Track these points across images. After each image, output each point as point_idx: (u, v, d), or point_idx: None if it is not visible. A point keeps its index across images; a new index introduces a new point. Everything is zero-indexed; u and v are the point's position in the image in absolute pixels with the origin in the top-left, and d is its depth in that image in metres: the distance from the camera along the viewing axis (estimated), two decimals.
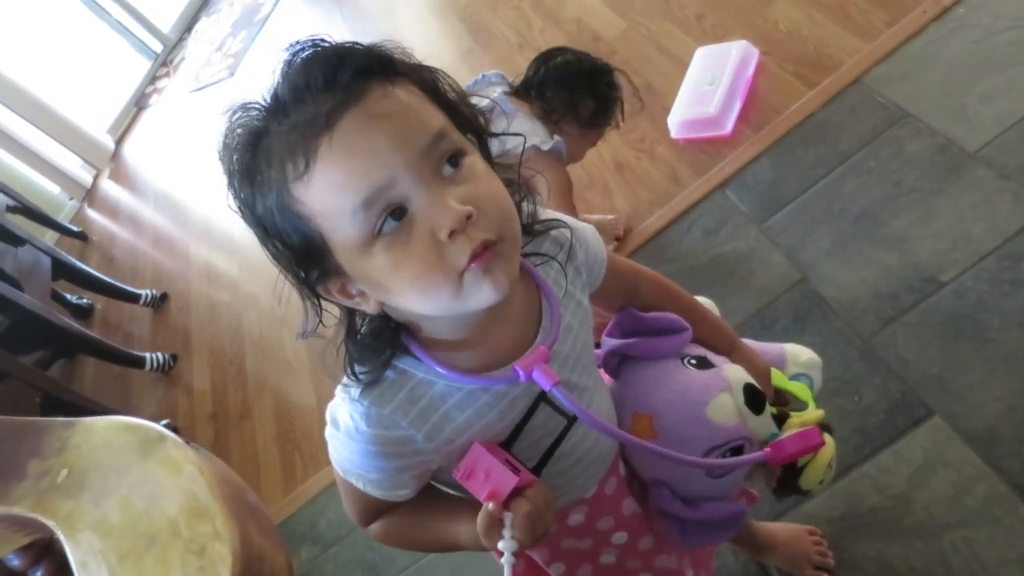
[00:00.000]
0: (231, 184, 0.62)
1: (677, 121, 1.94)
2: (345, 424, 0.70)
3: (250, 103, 0.60)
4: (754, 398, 0.86)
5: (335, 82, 0.57)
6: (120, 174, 4.06)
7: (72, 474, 0.57)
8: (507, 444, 0.73)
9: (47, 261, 2.78)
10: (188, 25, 4.74)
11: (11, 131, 3.76)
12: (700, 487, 0.88)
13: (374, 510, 0.78)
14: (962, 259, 1.40)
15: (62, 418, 0.64)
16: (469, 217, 0.57)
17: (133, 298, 2.96)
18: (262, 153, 0.59)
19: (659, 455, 0.79)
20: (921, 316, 1.39)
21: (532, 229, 0.73)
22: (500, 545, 0.64)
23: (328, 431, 0.73)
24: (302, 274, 0.63)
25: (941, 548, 1.18)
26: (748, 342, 1.03)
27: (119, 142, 4.25)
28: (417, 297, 0.61)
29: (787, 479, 0.95)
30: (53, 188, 3.97)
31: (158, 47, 4.66)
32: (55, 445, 0.61)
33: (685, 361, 0.87)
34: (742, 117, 1.88)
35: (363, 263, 0.60)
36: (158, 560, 0.46)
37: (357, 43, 0.61)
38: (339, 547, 1.80)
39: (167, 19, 4.72)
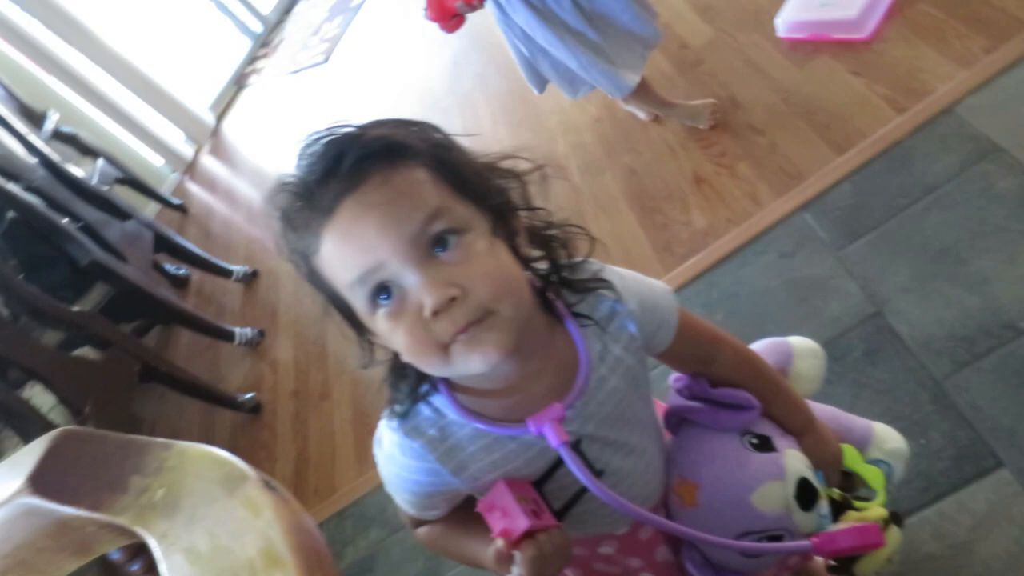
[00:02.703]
0: (285, 242, 0.70)
1: (796, 19, 2.02)
2: (385, 448, 0.79)
3: (286, 180, 0.68)
4: (806, 494, 0.86)
5: (337, 172, 0.64)
6: (219, 150, 4.25)
7: (168, 495, 0.64)
8: (539, 483, 0.79)
9: (149, 235, 2.95)
10: (288, 7, 4.89)
11: (120, 104, 3.98)
12: (731, 561, 0.90)
13: (416, 519, 0.87)
14: None
15: (160, 439, 0.71)
16: (454, 299, 0.63)
17: (226, 273, 3.12)
18: (290, 227, 0.68)
19: (683, 534, 0.81)
20: (997, 363, 1.36)
21: (572, 285, 0.77)
22: None
23: (374, 449, 0.81)
24: (348, 319, 0.71)
25: None
26: (834, 412, 1.02)
27: (219, 119, 4.44)
28: (414, 360, 0.68)
29: (843, 563, 0.95)
30: (157, 160, 4.18)
31: (259, 28, 4.84)
32: (154, 464, 0.68)
33: (745, 439, 0.88)
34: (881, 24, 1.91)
35: (372, 326, 0.68)
36: None
37: (366, 128, 0.68)
38: (405, 533, 1.88)
39: (268, 1, 4.88)
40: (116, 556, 0.85)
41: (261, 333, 2.84)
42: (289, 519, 0.55)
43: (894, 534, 0.99)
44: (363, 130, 0.68)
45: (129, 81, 3.99)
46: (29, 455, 0.77)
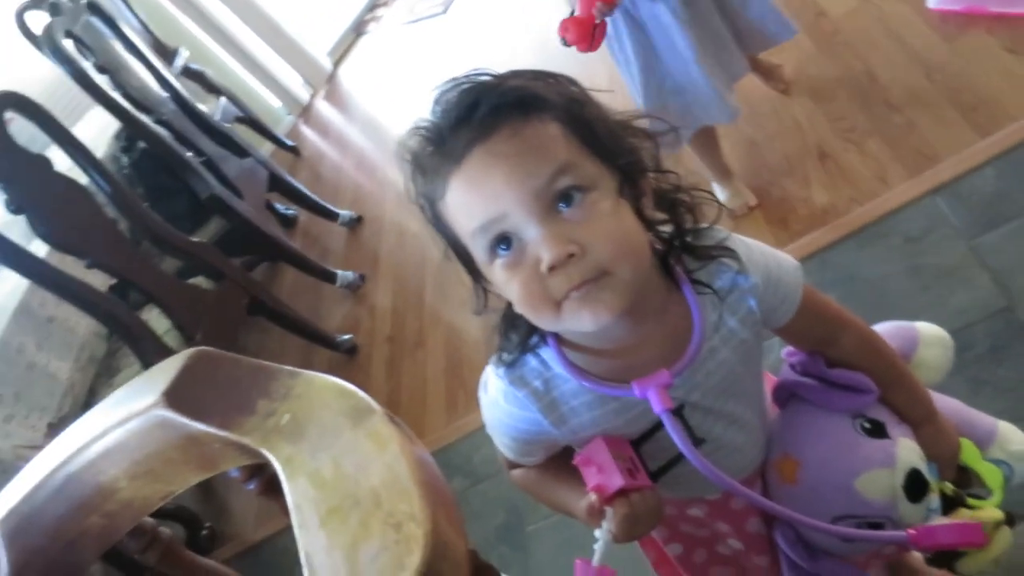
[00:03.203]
0: (414, 185, 0.72)
1: None
2: (490, 393, 0.80)
3: (420, 123, 0.69)
4: (916, 485, 0.83)
5: (470, 120, 0.65)
6: (334, 96, 4.33)
7: (293, 421, 0.67)
8: (637, 443, 0.79)
9: (264, 174, 3.05)
10: None
11: (245, 45, 4.10)
12: (825, 541, 0.87)
13: (512, 463, 0.89)
14: None
15: (288, 367, 0.74)
16: (572, 255, 0.63)
17: (332, 216, 3.20)
18: (419, 171, 0.70)
19: (774, 511, 0.80)
20: None
21: (695, 251, 0.76)
22: (596, 534, 0.71)
23: (480, 392, 0.83)
24: (466, 265, 0.73)
25: None
26: (957, 406, 0.98)
27: (336, 65, 4.52)
28: (526, 312, 0.69)
29: (945, 557, 0.91)
30: (275, 102, 4.30)
31: None
32: (280, 391, 0.71)
33: (857, 423, 0.85)
34: None
35: (489, 274, 0.69)
36: (361, 523, 0.54)
37: (503, 78, 0.68)
38: (488, 483, 1.92)
39: None
40: (235, 474, 0.90)
41: (362, 277, 2.91)
42: (414, 454, 0.56)
43: (1004, 535, 0.95)
44: (500, 80, 0.68)
45: (254, 22, 4.10)
46: (165, 371, 0.82)
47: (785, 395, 0.91)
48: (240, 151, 3.00)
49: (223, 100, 3.38)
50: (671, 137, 1.74)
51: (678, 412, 0.77)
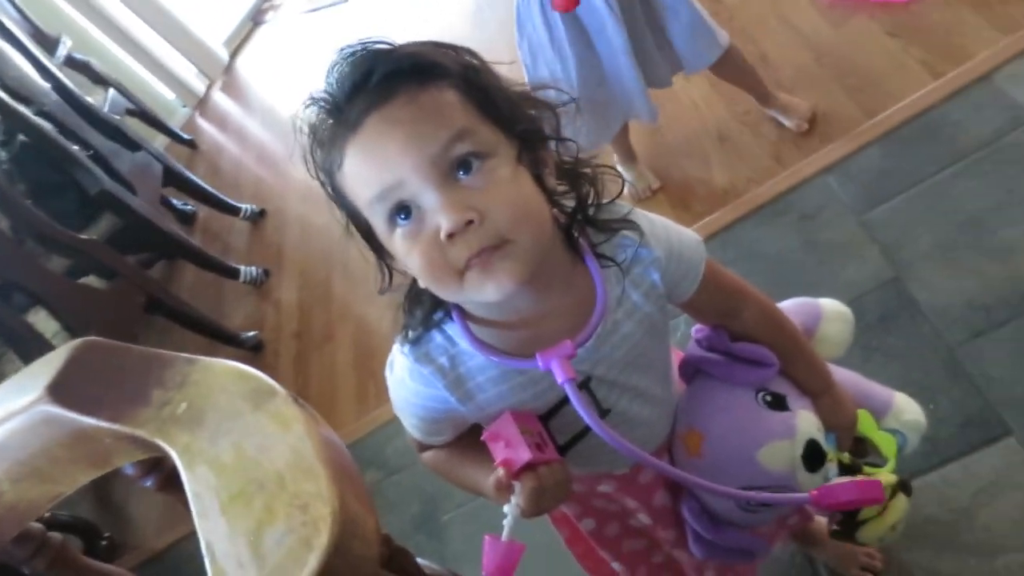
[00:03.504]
0: (312, 159, 0.70)
1: None
2: (396, 372, 0.79)
3: (316, 94, 0.67)
4: (813, 456, 0.85)
5: (365, 87, 0.63)
6: (232, 87, 4.18)
7: (191, 409, 0.64)
8: (545, 417, 0.78)
9: (159, 168, 2.92)
10: None
11: (134, 35, 3.91)
12: (730, 513, 0.89)
13: (422, 444, 0.88)
14: None
15: (185, 355, 0.70)
16: (470, 222, 0.62)
17: (234, 211, 3.09)
18: (317, 143, 0.68)
19: (682, 479, 0.81)
20: (1013, 333, 1.35)
21: (597, 224, 0.76)
22: (504, 509, 0.70)
23: (386, 371, 0.82)
24: (365, 241, 0.71)
25: (994, 569, 1.18)
26: (856, 378, 1.01)
27: (233, 55, 4.36)
28: (428, 284, 0.68)
29: (846, 527, 0.95)
30: (168, 94, 4.12)
31: None
32: (176, 379, 0.68)
33: (759, 396, 0.87)
34: None
35: (390, 246, 0.67)
36: (265, 507, 0.52)
37: (399, 46, 0.67)
38: (402, 475, 1.90)
39: None
40: (130, 471, 0.85)
41: (266, 272, 2.83)
42: (319, 434, 0.54)
43: (900, 502, 0.99)
44: (395, 47, 0.67)
45: (143, 11, 3.91)
46: (49, 364, 0.77)
47: (691, 370, 0.93)
48: (132, 144, 2.86)
49: (111, 91, 3.21)
50: (598, 131, 1.74)
51: (584, 385, 0.77)
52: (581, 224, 0.76)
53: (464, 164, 0.63)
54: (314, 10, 4.10)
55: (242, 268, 2.79)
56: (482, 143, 0.64)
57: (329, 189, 0.70)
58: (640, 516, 0.97)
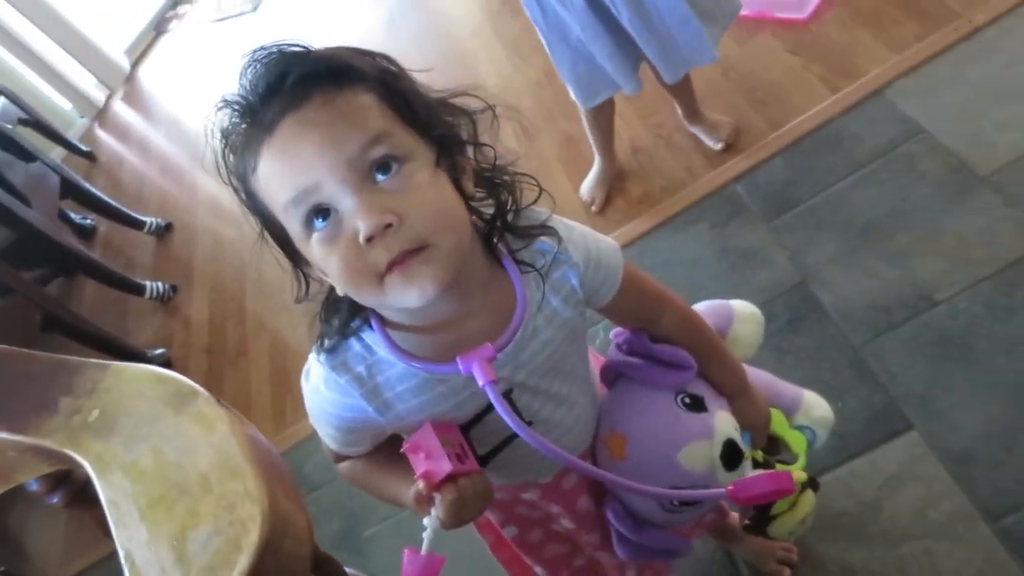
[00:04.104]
0: (225, 164, 0.68)
1: None
2: (312, 381, 0.77)
3: (228, 97, 0.66)
4: (731, 455, 0.88)
5: (280, 89, 0.62)
6: (133, 97, 4.03)
7: (103, 416, 0.60)
8: (467, 427, 0.77)
9: (56, 179, 2.79)
10: None
11: (27, 41, 3.73)
12: (653, 514, 0.91)
13: (339, 454, 0.85)
14: (959, 280, 1.44)
15: (95, 360, 0.67)
16: (389, 226, 0.61)
17: (137, 224, 2.98)
18: (231, 146, 0.66)
19: (608, 480, 0.81)
20: (913, 332, 1.43)
21: (516, 230, 0.76)
22: (424, 521, 0.69)
23: (302, 381, 0.79)
24: (281, 248, 0.69)
25: (901, 557, 1.23)
26: (768, 378, 1.04)
27: (135, 65, 4.21)
28: (347, 290, 0.66)
29: (758, 522, 0.98)
30: (64, 104, 3.94)
31: None
32: (86, 386, 0.64)
33: (679, 399, 0.89)
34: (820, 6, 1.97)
35: (307, 252, 0.66)
36: (188, 510, 0.49)
37: (314, 49, 0.66)
38: (322, 491, 1.85)
39: None
40: (34, 487, 0.80)
41: (174, 288, 2.73)
42: (244, 433, 0.52)
43: (809, 497, 1.03)
44: (311, 50, 0.66)
45: (36, 17, 3.73)
46: None
47: (612, 375, 0.94)
48: (26, 155, 2.73)
49: (2, 100, 3.05)
50: (586, 88, 1.67)
51: (507, 394, 0.76)
52: (500, 230, 0.76)
53: (382, 167, 0.62)
54: (221, 19, 4.00)
55: (148, 283, 2.69)
56: (400, 146, 0.63)
57: (242, 195, 0.67)
58: (563, 521, 0.97)
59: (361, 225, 0.60)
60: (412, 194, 0.62)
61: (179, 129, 3.56)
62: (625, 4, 1.50)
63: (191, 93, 3.69)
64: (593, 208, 1.98)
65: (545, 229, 0.77)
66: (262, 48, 0.65)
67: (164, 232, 3.00)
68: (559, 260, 0.77)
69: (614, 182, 1.99)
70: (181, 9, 4.36)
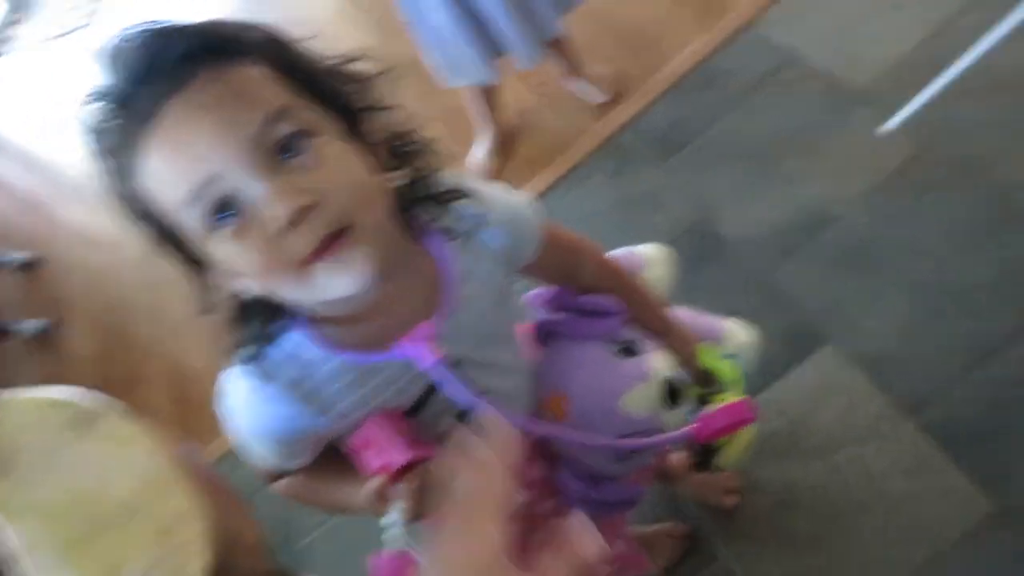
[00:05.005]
0: (98, 168, 0.59)
1: None
2: (233, 399, 0.69)
3: (96, 89, 0.57)
4: (672, 393, 0.87)
5: (157, 70, 0.54)
6: None
7: None
8: (412, 414, 0.72)
9: None
10: None
11: None
12: (605, 467, 0.89)
13: (274, 474, 0.78)
14: (849, 195, 1.49)
15: None
16: (308, 208, 0.54)
17: None
18: (105, 146, 0.58)
19: (568, 440, 0.80)
20: (814, 251, 1.47)
21: (434, 198, 0.71)
22: (383, 521, 0.64)
23: (220, 403, 0.71)
24: (177, 255, 0.61)
25: (835, 465, 1.27)
26: (688, 314, 1.04)
27: None
28: (267, 287, 0.59)
29: (704, 458, 0.98)
30: None
31: None
32: None
33: (612, 347, 0.87)
34: None
35: (211, 252, 0.58)
36: (115, 544, 0.43)
37: (189, 23, 0.57)
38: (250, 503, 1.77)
39: None
40: None
41: (51, 325, 2.54)
42: (169, 444, 0.46)
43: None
44: (187, 24, 0.57)
45: None
46: None
47: (543, 335, 0.92)
48: None
49: None
50: (457, 66, 1.61)
51: (455, 368, 0.73)
52: (415, 199, 0.71)
53: (288, 146, 0.55)
54: (61, 36, 3.72)
55: (19, 324, 2.48)
56: (304, 121, 0.57)
57: (125, 201, 0.58)
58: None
59: (277, 211, 0.53)
60: (326, 171, 0.56)
61: (29, 157, 3.30)
62: None
63: (37, 116, 3.42)
64: (487, 177, 1.95)
65: (461, 193, 0.72)
66: (130, 28, 0.56)
67: (32, 268, 2.79)
68: (479, 223, 0.73)
69: (502, 147, 1.97)
70: (11, 31, 4.03)
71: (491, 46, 1.63)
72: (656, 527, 1.32)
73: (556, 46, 1.80)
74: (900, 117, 1.50)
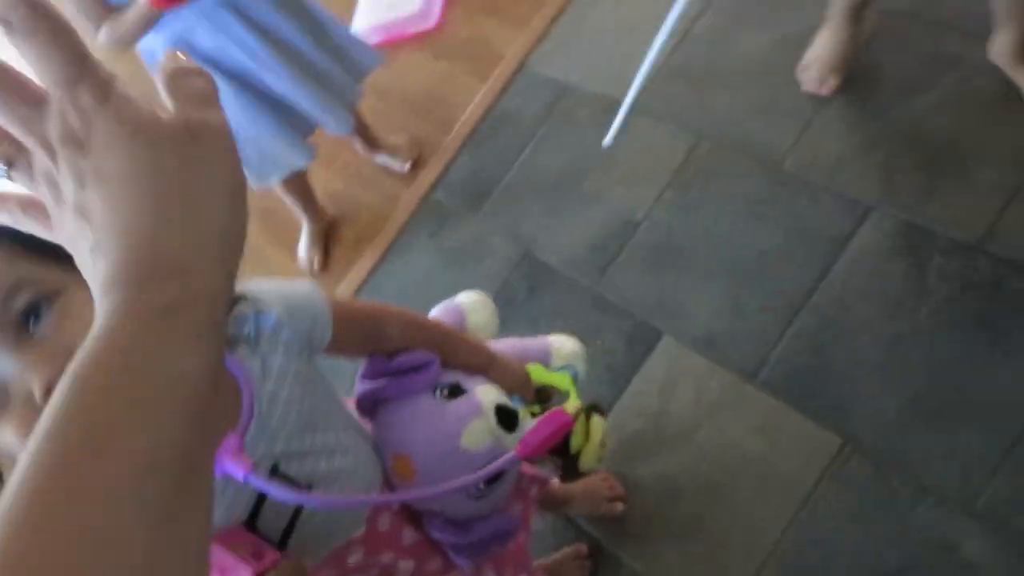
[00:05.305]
0: None
1: (369, 26, 2.16)
2: None
3: None
4: (506, 417, 0.90)
5: None
6: None
7: None
8: (251, 519, 0.73)
9: None
10: None
11: None
12: (468, 510, 0.91)
13: None
14: (646, 197, 1.60)
15: None
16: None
17: None
18: None
19: (407, 498, 0.81)
20: (629, 255, 1.57)
21: None
22: None
23: None
24: None
25: (699, 444, 1.35)
26: (511, 342, 1.08)
27: None
28: None
29: (568, 466, 1.02)
30: None
31: None
32: None
33: (437, 392, 0.89)
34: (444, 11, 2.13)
35: None
36: None
37: None
38: None
39: None
40: None
41: None
42: None
43: (597, 422, 1.09)
44: None
45: None
46: None
47: (369, 405, 0.93)
48: None
49: None
50: (266, 167, 1.58)
51: (275, 470, 0.72)
52: None
53: (32, 313, 0.56)
54: None
55: None
56: (45, 284, 0.57)
57: None
58: (401, 564, 0.94)
59: (36, 380, 0.54)
60: (79, 325, 0.56)
61: None
62: (281, 65, 1.50)
63: None
64: (316, 268, 1.96)
65: (236, 297, 0.73)
66: None
67: None
68: (261, 322, 0.74)
69: (325, 236, 1.99)
70: None
71: (299, 126, 1.64)
72: (560, 553, 1.34)
73: (360, 123, 1.85)
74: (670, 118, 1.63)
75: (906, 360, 1.26)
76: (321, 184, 2.06)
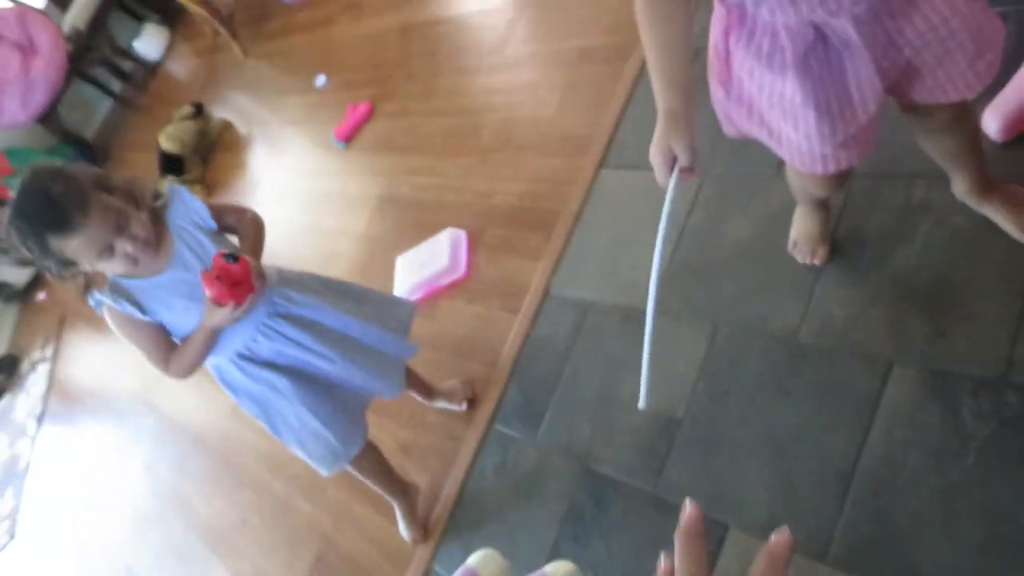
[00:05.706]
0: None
1: (409, 287, 2.41)
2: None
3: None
4: None
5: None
6: None
7: None
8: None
9: None
10: None
11: None
12: None
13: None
14: (681, 394, 1.67)
15: None
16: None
17: None
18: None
19: None
20: (680, 451, 1.62)
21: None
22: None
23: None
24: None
25: None
26: None
27: None
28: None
29: None
30: None
31: None
32: None
33: None
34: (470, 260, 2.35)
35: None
36: None
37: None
38: None
39: None
40: None
41: None
42: None
43: None
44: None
45: None
46: None
47: None
48: None
49: None
50: (348, 436, 1.74)
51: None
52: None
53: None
54: None
55: None
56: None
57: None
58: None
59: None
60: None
61: None
62: (334, 352, 1.65)
63: None
64: (417, 540, 2.01)
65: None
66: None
67: None
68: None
69: (416, 502, 2.04)
70: None
71: (356, 404, 1.78)
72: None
73: (408, 380, 2.00)
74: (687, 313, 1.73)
75: (966, 509, 1.25)
76: (391, 439, 2.21)
